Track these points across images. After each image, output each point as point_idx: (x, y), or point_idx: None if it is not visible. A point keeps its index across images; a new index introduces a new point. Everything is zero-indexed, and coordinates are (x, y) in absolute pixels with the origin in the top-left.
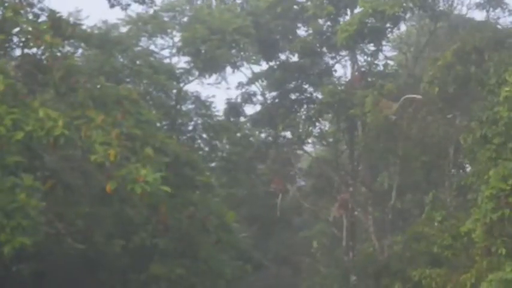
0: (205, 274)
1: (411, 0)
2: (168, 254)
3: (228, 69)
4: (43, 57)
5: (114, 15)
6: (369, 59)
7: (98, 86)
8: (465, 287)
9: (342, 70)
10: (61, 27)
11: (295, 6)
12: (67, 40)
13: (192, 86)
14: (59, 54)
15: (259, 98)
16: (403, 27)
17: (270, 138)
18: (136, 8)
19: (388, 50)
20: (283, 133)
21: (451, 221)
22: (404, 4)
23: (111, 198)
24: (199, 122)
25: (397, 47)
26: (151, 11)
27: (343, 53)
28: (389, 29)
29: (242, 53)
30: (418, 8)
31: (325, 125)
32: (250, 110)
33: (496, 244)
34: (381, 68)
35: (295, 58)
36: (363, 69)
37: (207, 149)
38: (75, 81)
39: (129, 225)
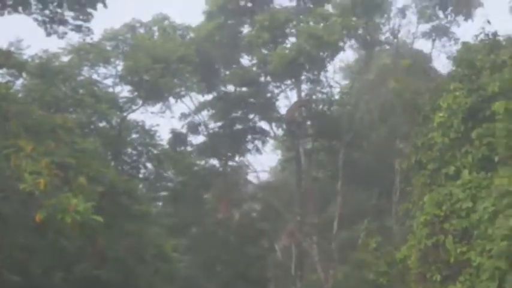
0: None
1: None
2: (109, 285)
3: (172, 99)
4: None
5: (56, 44)
6: (312, 86)
7: (32, 115)
8: None
9: (286, 100)
10: None
11: (236, 34)
12: (0, 68)
13: (136, 115)
14: None
15: (203, 127)
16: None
17: (217, 167)
18: (73, 37)
19: (337, 78)
20: (229, 162)
21: (387, 248)
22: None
23: (46, 228)
24: (144, 151)
25: (346, 75)
26: (89, 40)
27: (288, 82)
28: (328, 58)
29: (186, 83)
30: (349, 38)
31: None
32: (194, 140)
33: (431, 270)
34: (324, 96)
35: (239, 87)
36: (306, 97)
37: (152, 177)
38: (7, 110)
39: (68, 257)
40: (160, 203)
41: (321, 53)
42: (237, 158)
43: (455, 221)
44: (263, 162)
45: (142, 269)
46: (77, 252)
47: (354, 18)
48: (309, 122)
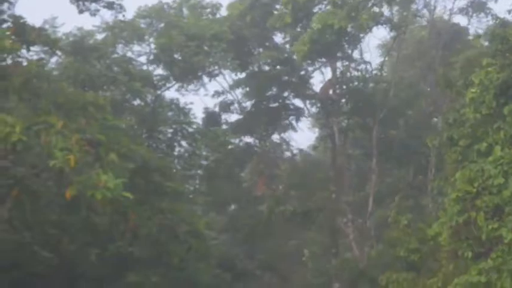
0: (181, 282)
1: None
2: (143, 262)
3: (205, 77)
4: (3, 63)
5: (90, 23)
6: (346, 64)
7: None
8: None
9: (321, 76)
10: (25, 33)
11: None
12: (31, 45)
13: (170, 94)
14: (21, 60)
15: (236, 106)
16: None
17: (252, 144)
18: (105, 14)
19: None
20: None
21: (419, 225)
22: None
23: (77, 205)
24: (178, 129)
25: (382, 52)
26: (121, 17)
27: (322, 59)
28: (346, 44)
29: (220, 61)
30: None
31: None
32: (228, 118)
33: (463, 247)
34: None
35: (272, 66)
36: (340, 75)
37: (186, 155)
38: (38, 87)
39: (101, 234)
40: (196, 181)
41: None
42: (272, 136)
43: (486, 198)
44: (300, 140)
45: (175, 246)
46: (110, 230)
47: None
48: (343, 100)
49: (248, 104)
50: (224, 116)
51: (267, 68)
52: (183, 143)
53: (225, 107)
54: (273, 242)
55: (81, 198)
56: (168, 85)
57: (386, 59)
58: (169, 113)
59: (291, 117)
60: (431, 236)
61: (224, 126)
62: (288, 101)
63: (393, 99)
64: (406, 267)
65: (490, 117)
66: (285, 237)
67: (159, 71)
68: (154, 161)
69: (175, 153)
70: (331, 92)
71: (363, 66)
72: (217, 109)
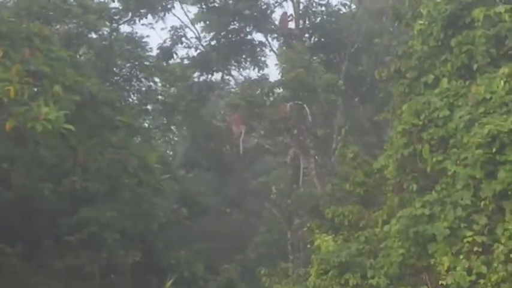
0: (138, 217)
1: None
2: (97, 197)
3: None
4: None
5: None
6: None
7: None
8: (377, 224)
9: (283, 10)
10: None
11: None
12: None
13: (127, 28)
14: None
15: (193, 41)
16: None
17: (213, 81)
18: None
19: None
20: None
21: (364, 158)
22: None
23: (23, 138)
24: (135, 63)
25: None
26: None
27: None
28: None
29: None
30: None
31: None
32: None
33: (408, 180)
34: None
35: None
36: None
37: (144, 89)
38: None
39: (53, 168)
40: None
41: None
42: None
43: (432, 130)
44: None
45: (126, 180)
46: (59, 163)
47: None
48: (306, 35)
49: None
50: (182, 52)
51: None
52: (140, 77)
53: (177, 40)
54: (241, 178)
55: (23, 130)
56: (124, 19)
57: None
58: (127, 47)
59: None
60: (377, 169)
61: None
62: (249, 36)
63: (358, 34)
64: (354, 200)
65: (438, 49)
66: (253, 174)
67: (115, 4)
68: (103, 94)
69: (132, 87)
70: (292, 26)
71: (326, 1)
72: (169, 43)
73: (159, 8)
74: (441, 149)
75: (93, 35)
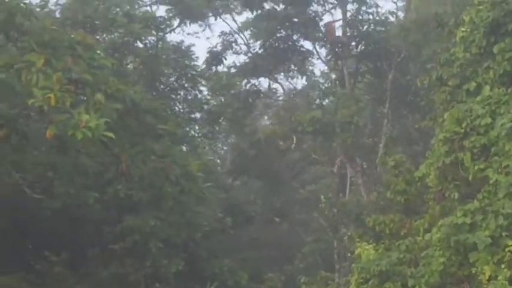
0: (181, 226)
1: None
2: (141, 206)
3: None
4: None
5: None
6: (357, 5)
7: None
8: (418, 232)
9: (331, 18)
10: None
11: None
12: None
13: (174, 36)
14: None
15: (243, 47)
16: None
17: (259, 88)
18: None
19: None
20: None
21: (406, 166)
22: None
23: (65, 146)
24: (181, 72)
25: None
26: None
27: (332, 0)
28: None
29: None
30: None
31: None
32: (232, 60)
33: (449, 188)
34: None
35: (280, 7)
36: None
37: (190, 98)
38: (21, 24)
39: (96, 176)
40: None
41: None
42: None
43: (474, 138)
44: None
45: (169, 188)
46: (103, 171)
47: None
48: (353, 43)
49: (255, 45)
50: (231, 59)
51: (276, 7)
52: (186, 86)
53: (228, 45)
54: (289, 188)
55: (64, 138)
56: (171, 28)
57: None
58: (173, 56)
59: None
60: (419, 177)
61: (231, 70)
62: (297, 43)
63: (405, 43)
64: (395, 209)
65: (480, 57)
66: (301, 184)
67: (162, 12)
68: (145, 103)
69: (179, 96)
70: (340, 34)
71: (373, 9)
72: (219, 48)
73: (209, 14)
74: (483, 157)
75: (139, 44)
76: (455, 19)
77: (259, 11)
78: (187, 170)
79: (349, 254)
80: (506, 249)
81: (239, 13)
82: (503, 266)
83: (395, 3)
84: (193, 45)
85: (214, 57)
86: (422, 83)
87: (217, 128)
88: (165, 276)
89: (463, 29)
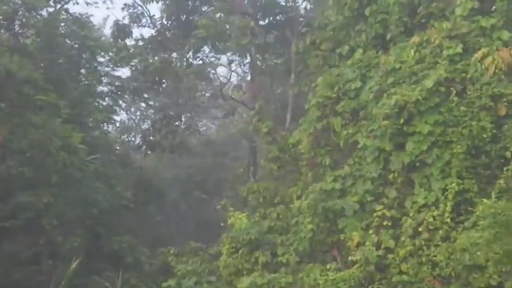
0: (78, 202)
1: None
2: (34, 182)
3: None
4: None
5: None
6: None
7: None
8: (292, 200)
9: None
10: None
11: None
12: None
13: (77, 8)
14: None
15: (147, 19)
16: None
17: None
18: None
19: None
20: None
21: (280, 133)
22: None
23: None
24: (81, 44)
25: None
26: None
27: None
28: None
29: None
30: None
31: None
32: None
33: (321, 154)
34: None
35: None
36: None
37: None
38: None
39: None
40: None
41: None
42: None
43: (344, 102)
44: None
45: (50, 162)
46: None
47: None
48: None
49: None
50: (138, 31)
51: None
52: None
53: (135, 18)
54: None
55: None
56: None
57: None
58: (73, 28)
59: None
60: (292, 143)
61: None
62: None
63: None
64: (270, 177)
65: (353, 19)
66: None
67: None
68: (23, 73)
69: (83, 70)
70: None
71: None
72: (127, 21)
73: None
74: (353, 122)
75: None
76: None
77: None
78: (68, 142)
79: (221, 224)
80: (374, 215)
81: None
82: (371, 231)
83: None
84: (91, 15)
85: (121, 30)
86: (297, 48)
87: (120, 102)
88: (60, 253)
89: None
